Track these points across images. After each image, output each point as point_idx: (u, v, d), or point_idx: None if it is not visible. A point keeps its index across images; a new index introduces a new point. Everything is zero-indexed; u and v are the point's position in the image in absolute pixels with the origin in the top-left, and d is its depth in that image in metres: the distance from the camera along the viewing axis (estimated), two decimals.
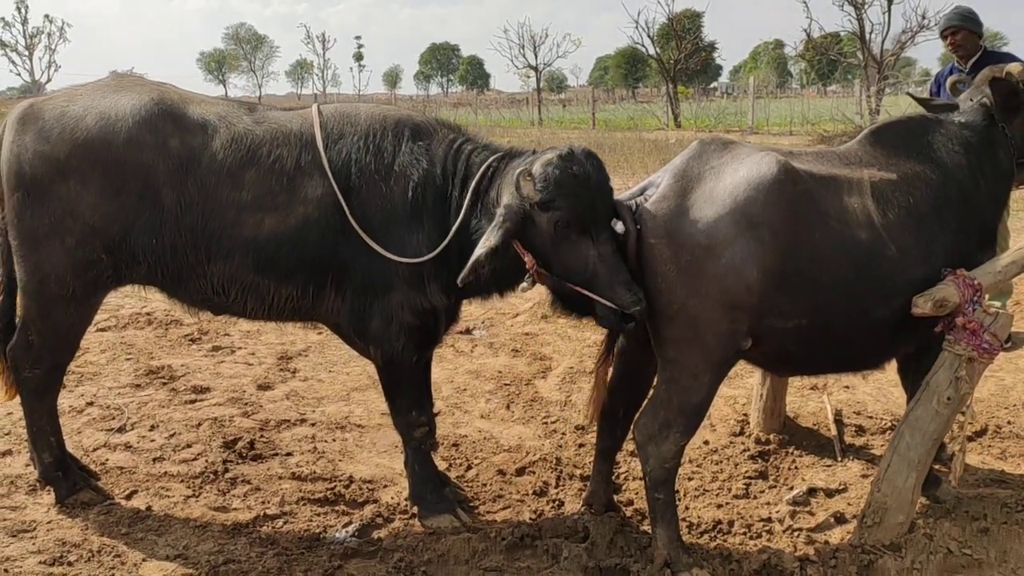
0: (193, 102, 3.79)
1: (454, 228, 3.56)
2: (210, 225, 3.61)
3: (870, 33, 28.67)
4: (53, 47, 72.02)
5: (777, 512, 4.03)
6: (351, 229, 3.59)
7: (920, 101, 4.57)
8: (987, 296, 6.50)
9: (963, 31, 6.29)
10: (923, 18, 27.12)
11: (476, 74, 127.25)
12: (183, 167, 3.61)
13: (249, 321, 4.12)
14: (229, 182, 3.61)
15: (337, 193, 3.57)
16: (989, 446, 4.76)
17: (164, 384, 5.78)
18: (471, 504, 4.15)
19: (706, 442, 4.81)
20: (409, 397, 3.90)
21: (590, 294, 3.30)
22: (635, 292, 3.26)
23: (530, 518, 3.99)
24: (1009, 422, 5.05)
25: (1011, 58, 5.89)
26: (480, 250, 3.32)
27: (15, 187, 3.65)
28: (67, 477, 4.06)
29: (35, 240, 3.67)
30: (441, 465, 4.37)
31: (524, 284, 3.43)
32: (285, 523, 3.96)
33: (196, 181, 3.60)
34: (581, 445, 4.77)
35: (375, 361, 3.87)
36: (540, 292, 7.60)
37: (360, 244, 3.60)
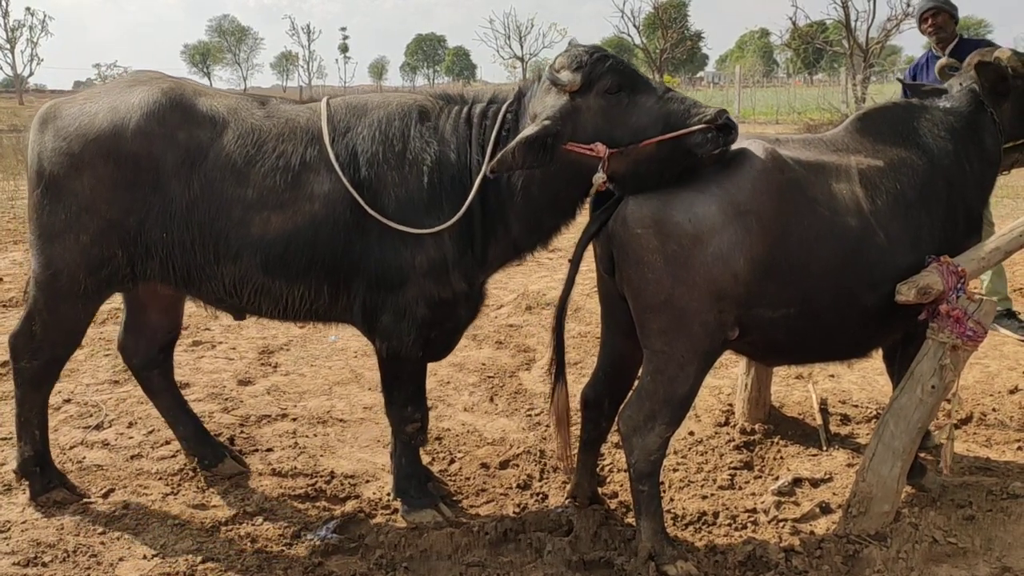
0: (205, 95, 3.72)
1: (476, 183, 3.39)
2: (216, 224, 3.55)
3: (855, 21, 28.73)
4: (35, 40, 71.41)
5: (762, 503, 4.00)
6: (364, 225, 3.49)
7: (909, 86, 4.53)
8: (985, 280, 6.57)
9: (943, 14, 6.30)
10: (908, 6, 27.17)
11: (462, 65, 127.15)
12: (189, 160, 3.55)
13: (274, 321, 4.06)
14: (234, 179, 3.53)
15: (348, 187, 3.46)
16: (974, 434, 4.75)
17: None
18: (454, 498, 4.11)
19: (691, 433, 4.79)
20: (407, 392, 3.82)
21: (675, 134, 3.18)
22: (706, 105, 3.24)
23: (514, 512, 3.95)
24: (994, 409, 5.04)
25: (988, 45, 5.86)
26: (515, 140, 3.20)
27: (36, 184, 3.70)
28: (43, 473, 4.00)
29: (51, 235, 3.68)
30: (424, 459, 4.32)
31: (598, 175, 3.24)
32: (265, 520, 3.90)
33: (201, 176, 3.54)
34: None
35: (379, 354, 3.77)
36: (523, 284, 7.60)
37: (375, 239, 3.50)
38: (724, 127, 3.17)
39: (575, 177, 3.32)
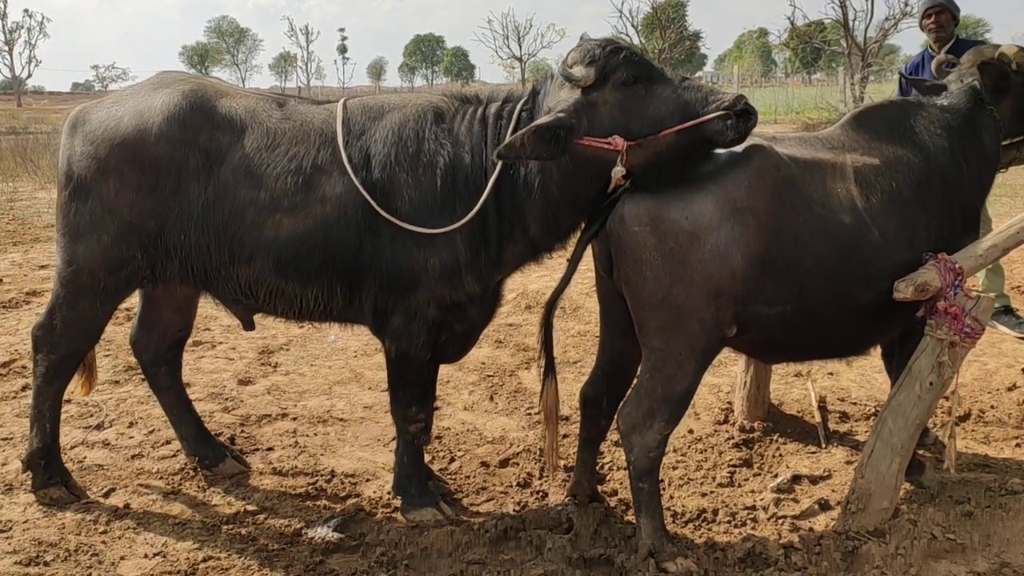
0: (225, 96, 3.75)
1: (491, 181, 3.38)
2: (231, 226, 3.57)
3: (853, 21, 28.79)
4: (33, 42, 71.48)
5: (762, 500, 4.02)
6: (376, 226, 3.49)
7: (912, 81, 4.52)
8: (981, 279, 6.58)
9: (946, 13, 6.31)
10: (906, 5, 27.26)
11: (461, 65, 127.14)
12: (208, 164, 3.58)
13: (292, 322, 4.09)
14: (247, 182, 3.56)
15: (360, 189, 3.46)
16: (973, 431, 4.76)
17: (143, 380, 5.66)
18: (454, 497, 4.11)
19: (690, 431, 4.80)
20: (412, 393, 3.82)
21: (694, 122, 3.15)
22: (724, 92, 3.21)
23: (514, 510, 3.96)
24: (992, 406, 5.06)
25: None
26: (527, 127, 3.18)
27: (65, 185, 3.77)
28: (47, 468, 4.01)
29: (75, 234, 3.76)
30: (424, 458, 4.33)
31: (617, 168, 3.20)
32: (266, 519, 3.91)
33: (217, 179, 3.57)
34: (565, 436, 4.74)
35: (387, 354, 3.78)
36: (523, 283, 7.61)
37: (386, 241, 3.50)
38: (743, 113, 3.14)
39: (594, 173, 3.29)
